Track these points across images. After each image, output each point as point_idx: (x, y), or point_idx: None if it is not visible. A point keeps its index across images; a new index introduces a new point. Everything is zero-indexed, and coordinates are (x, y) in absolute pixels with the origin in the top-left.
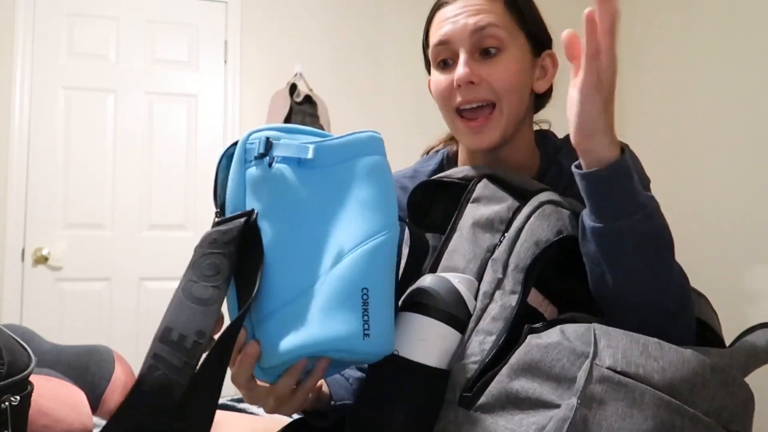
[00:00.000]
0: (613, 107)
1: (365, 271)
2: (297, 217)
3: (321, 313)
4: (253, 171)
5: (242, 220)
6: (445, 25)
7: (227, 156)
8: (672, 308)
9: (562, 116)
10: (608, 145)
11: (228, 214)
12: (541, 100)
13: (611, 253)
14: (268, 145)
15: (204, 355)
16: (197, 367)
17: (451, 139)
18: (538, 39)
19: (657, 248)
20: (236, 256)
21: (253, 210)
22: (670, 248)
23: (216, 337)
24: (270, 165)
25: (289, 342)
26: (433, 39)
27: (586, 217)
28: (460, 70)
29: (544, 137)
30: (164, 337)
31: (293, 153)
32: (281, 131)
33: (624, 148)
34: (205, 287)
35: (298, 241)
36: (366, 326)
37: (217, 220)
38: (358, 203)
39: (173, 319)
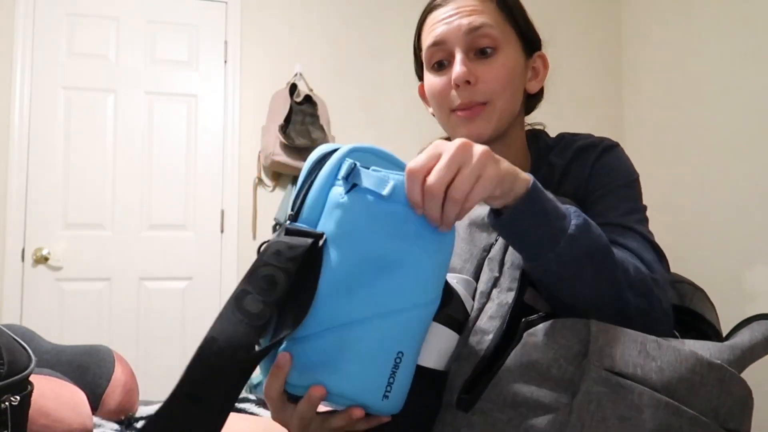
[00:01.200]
0: (483, 174)
1: (408, 336)
2: (359, 252)
3: (354, 361)
4: (335, 192)
5: (310, 240)
6: (438, 26)
7: (321, 160)
8: (642, 306)
9: (556, 116)
10: (499, 199)
11: (300, 222)
12: (532, 101)
13: (552, 283)
14: (353, 170)
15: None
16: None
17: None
18: (529, 40)
19: (595, 262)
20: (294, 275)
21: (323, 234)
22: (608, 256)
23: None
24: (350, 191)
25: (315, 375)
26: (427, 41)
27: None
28: (458, 68)
29: (537, 137)
30: (206, 347)
31: (373, 185)
32: (378, 156)
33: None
34: (257, 301)
35: (354, 274)
36: (389, 388)
37: (287, 225)
38: (420, 262)
39: (219, 329)
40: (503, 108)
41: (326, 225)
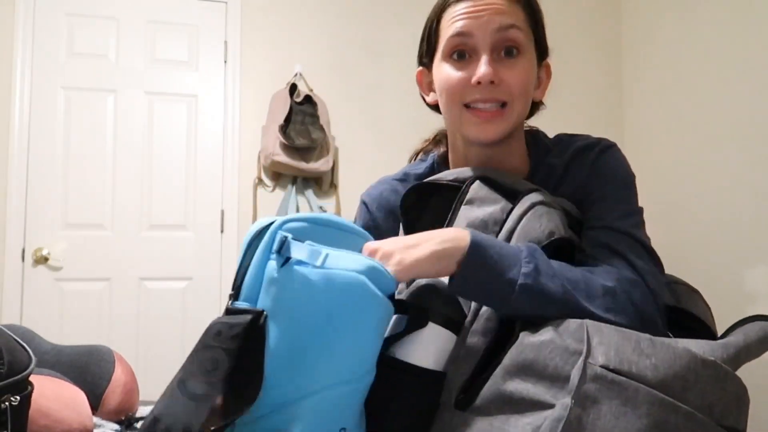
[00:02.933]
0: (421, 251)
1: (349, 410)
2: (297, 327)
3: None
4: (271, 266)
5: (249, 317)
6: (466, 18)
7: (258, 234)
8: (623, 322)
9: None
10: (431, 271)
11: (241, 301)
12: (533, 108)
13: (528, 319)
14: (284, 244)
15: None
16: None
17: (438, 142)
18: (542, 48)
19: (556, 301)
20: (237, 353)
21: (263, 311)
22: (568, 293)
23: None
24: (284, 265)
25: None
26: (450, 30)
27: None
28: (484, 69)
29: (535, 138)
30: (150, 427)
31: (306, 257)
32: (316, 224)
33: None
34: (201, 383)
35: (296, 349)
36: None
37: (228, 305)
38: (355, 335)
39: (163, 410)
40: (519, 112)
41: (265, 301)
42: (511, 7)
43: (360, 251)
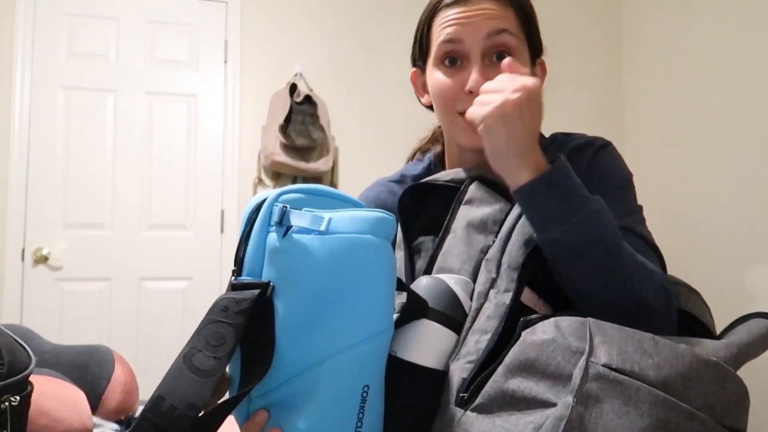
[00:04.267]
0: (523, 132)
1: (370, 368)
2: (307, 293)
3: (321, 403)
4: (272, 237)
5: (256, 292)
6: (457, 23)
7: (256, 210)
8: (656, 305)
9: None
10: (519, 167)
11: (244, 275)
12: None
13: (557, 260)
14: (285, 214)
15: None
16: None
17: (436, 140)
18: (536, 47)
19: (602, 251)
20: (244, 328)
21: (269, 283)
22: (616, 249)
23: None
24: (285, 235)
25: (286, 422)
26: (441, 35)
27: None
28: (475, 77)
29: None
30: (155, 406)
31: (308, 224)
32: (312, 194)
33: (551, 164)
34: (207, 357)
35: (307, 316)
36: (359, 423)
37: (232, 280)
38: (367, 291)
39: (167, 389)
40: None
41: (269, 273)
42: (502, 11)
43: None
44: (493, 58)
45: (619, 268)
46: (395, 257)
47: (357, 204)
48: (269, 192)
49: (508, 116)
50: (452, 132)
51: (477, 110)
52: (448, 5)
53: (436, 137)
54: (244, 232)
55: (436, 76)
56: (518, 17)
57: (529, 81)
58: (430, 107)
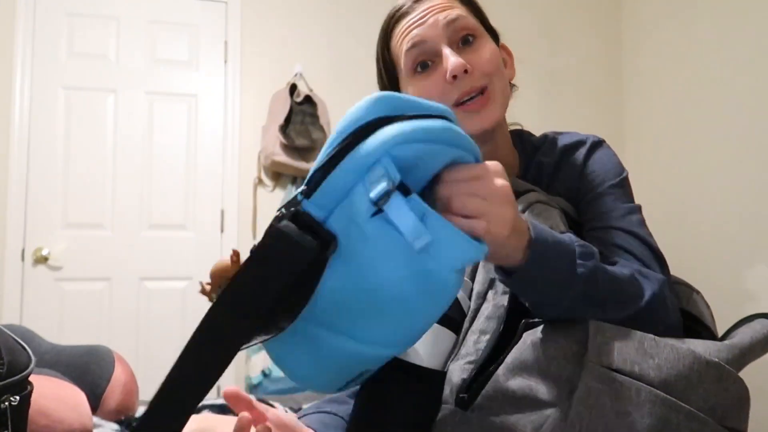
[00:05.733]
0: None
1: (377, 364)
2: (364, 282)
3: (316, 359)
4: (360, 199)
5: (317, 243)
6: (413, 28)
7: (357, 132)
8: (652, 327)
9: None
10: (510, 255)
11: (312, 203)
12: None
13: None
14: (388, 198)
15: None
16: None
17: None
18: (492, 32)
19: (598, 308)
20: (290, 279)
21: (332, 241)
22: (614, 304)
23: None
24: (376, 215)
25: (282, 355)
26: (405, 46)
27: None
28: (452, 60)
29: (521, 137)
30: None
31: (406, 230)
32: (435, 142)
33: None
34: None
35: (348, 301)
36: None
37: (300, 209)
38: (418, 322)
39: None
40: (502, 90)
41: (341, 230)
42: (450, 2)
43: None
44: (459, 45)
45: (613, 308)
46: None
47: (476, 154)
48: (381, 114)
49: (512, 230)
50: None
51: (477, 225)
52: (397, 20)
53: None
54: (331, 150)
55: (415, 86)
56: (467, 7)
57: (499, 182)
58: None
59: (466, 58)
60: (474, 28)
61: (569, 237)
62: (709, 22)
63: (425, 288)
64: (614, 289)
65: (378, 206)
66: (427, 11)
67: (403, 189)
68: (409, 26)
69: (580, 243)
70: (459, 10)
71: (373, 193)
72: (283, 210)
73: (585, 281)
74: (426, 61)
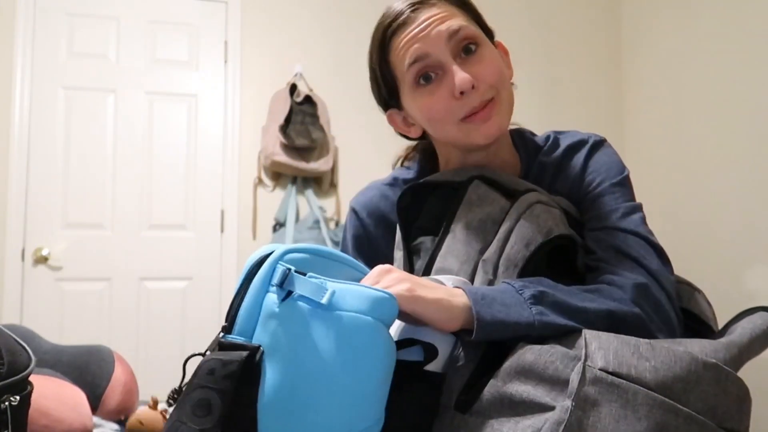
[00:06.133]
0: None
1: None
2: (299, 368)
3: None
4: (271, 299)
5: (245, 354)
6: (415, 42)
7: (259, 264)
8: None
9: (556, 118)
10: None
11: (235, 334)
12: None
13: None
14: (288, 277)
15: None
16: None
17: (424, 149)
18: (487, 31)
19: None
20: (232, 395)
21: (259, 347)
22: (580, 315)
23: None
24: (285, 299)
25: None
26: (405, 60)
27: None
28: (459, 76)
29: (522, 137)
30: None
31: (309, 293)
32: (318, 255)
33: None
34: (192, 430)
35: (294, 395)
36: None
37: (220, 339)
38: (362, 379)
39: None
40: (508, 97)
41: (262, 337)
42: (448, 10)
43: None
44: (462, 55)
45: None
46: (393, 344)
47: (362, 270)
48: (273, 247)
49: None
50: (464, 139)
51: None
52: (395, 31)
53: (423, 147)
54: (241, 286)
55: (419, 99)
56: (463, 11)
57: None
58: (422, 137)
59: (470, 69)
60: (475, 36)
61: (509, 283)
62: (709, 23)
63: (354, 347)
64: (568, 291)
65: (282, 288)
66: (427, 22)
67: (301, 273)
68: (410, 39)
69: (519, 283)
70: (460, 19)
71: (275, 279)
72: (208, 352)
73: (533, 299)
74: (429, 74)
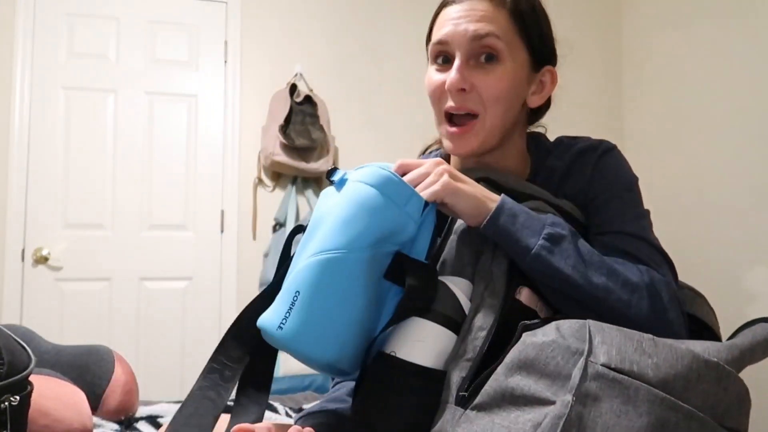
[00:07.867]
0: (458, 191)
1: (304, 278)
2: (313, 226)
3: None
4: (326, 191)
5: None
6: (447, 24)
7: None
8: (643, 307)
9: (556, 119)
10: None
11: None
12: (536, 113)
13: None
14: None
15: None
16: None
17: (441, 142)
18: (541, 54)
19: (565, 280)
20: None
21: (301, 225)
22: (586, 274)
23: None
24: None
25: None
26: (434, 37)
27: None
28: (453, 75)
29: (536, 141)
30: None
31: (336, 177)
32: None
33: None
34: None
35: (303, 243)
36: (283, 321)
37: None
38: (336, 219)
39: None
40: (493, 125)
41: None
42: (493, 12)
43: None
44: (480, 59)
45: (586, 293)
46: (383, 202)
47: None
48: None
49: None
50: (443, 137)
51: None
52: (444, 6)
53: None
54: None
55: (428, 73)
56: (512, 20)
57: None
58: None
59: (474, 77)
60: (498, 50)
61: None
62: (708, 25)
63: (348, 197)
64: (589, 251)
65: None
66: (465, 14)
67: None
68: (446, 20)
69: (554, 219)
70: (494, 26)
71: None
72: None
73: (549, 236)
74: (447, 57)
